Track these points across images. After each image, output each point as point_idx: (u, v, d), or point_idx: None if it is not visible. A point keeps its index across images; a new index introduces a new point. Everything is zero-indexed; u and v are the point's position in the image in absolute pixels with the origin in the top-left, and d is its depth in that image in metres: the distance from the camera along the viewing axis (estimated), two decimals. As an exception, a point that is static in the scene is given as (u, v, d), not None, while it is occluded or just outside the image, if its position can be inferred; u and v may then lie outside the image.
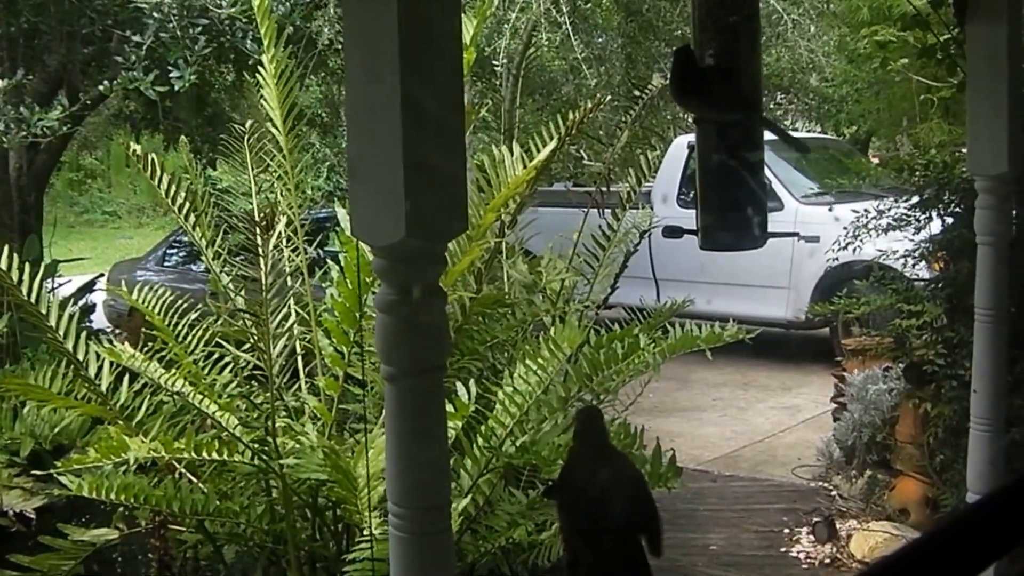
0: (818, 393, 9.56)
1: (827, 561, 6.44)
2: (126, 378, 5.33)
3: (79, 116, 9.33)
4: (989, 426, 4.28)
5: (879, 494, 7.06)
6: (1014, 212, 4.29)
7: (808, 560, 6.50)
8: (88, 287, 8.83)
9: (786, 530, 6.95)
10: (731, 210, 3.20)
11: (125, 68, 8.34)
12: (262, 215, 5.68)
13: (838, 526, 6.74)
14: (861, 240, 7.15)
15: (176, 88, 8.35)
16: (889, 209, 6.94)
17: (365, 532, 4.61)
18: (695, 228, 3.33)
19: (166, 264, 12.54)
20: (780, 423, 9.57)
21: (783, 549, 6.70)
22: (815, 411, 9.42)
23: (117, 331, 9.03)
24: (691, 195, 11.59)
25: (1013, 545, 1.36)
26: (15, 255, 5.27)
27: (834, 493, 7.48)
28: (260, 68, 6.17)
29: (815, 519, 6.90)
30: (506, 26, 13.29)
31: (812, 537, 6.74)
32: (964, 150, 6.53)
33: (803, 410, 9.82)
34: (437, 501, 2.43)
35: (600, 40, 15.52)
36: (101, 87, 8.62)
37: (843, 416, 7.50)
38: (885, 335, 7.19)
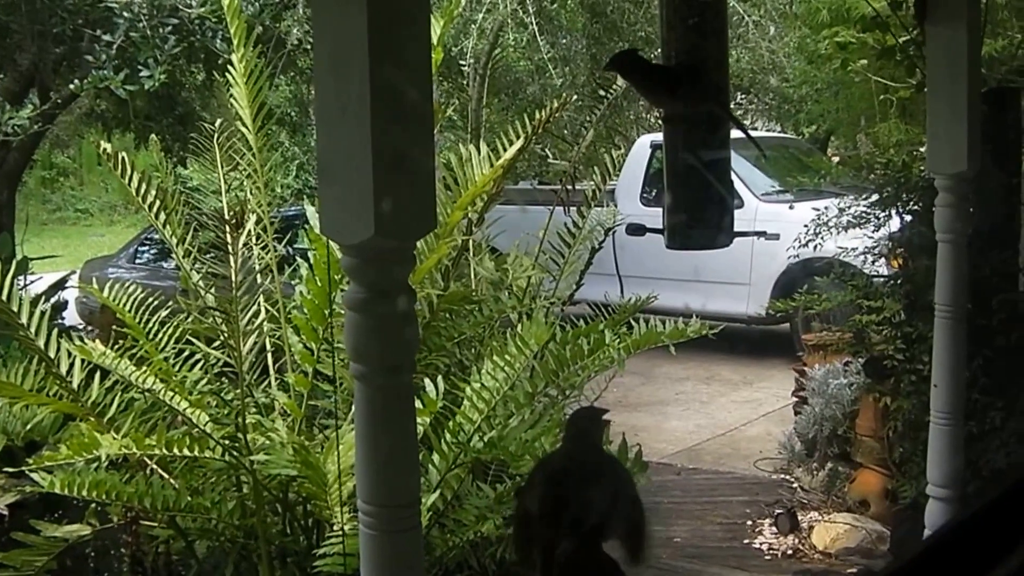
0: (779, 387, 9.58)
1: (789, 552, 6.45)
2: (97, 375, 5.27)
3: (51, 115, 9.25)
4: (949, 420, 4.28)
5: (840, 486, 7.08)
6: (971, 210, 4.29)
7: (771, 551, 6.51)
8: (60, 284, 8.73)
9: (749, 522, 6.96)
10: (698, 210, 3.17)
11: (96, 67, 8.28)
12: (232, 213, 5.63)
13: (800, 518, 6.76)
14: (822, 237, 7.17)
15: (146, 87, 8.29)
16: (849, 207, 6.96)
17: (335, 527, 4.57)
18: (660, 227, 3.29)
19: (137, 261, 12.46)
20: (742, 417, 9.59)
21: (746, 540, 6.70)
22: (776, 405, 9.44)
23: (89, 328, 8.96)
24: (654, 193, 11.62)
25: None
26: (-14, 253, 5.21)
27: (796, 485, 7.51)
28: (230, 67, 6.10)
29: (777, 511, 6.92)
30: (473, 27, 13.30)
31: (774, 529, 6.75)
32: (922, 149, 6.55)
33: (765, 404, 9.84)
34: (407, 499, 2.39)
35: (565, 41, 15.54)
36: (72, 86, 8.56)
37: (804, 410, 7.52)
38: (845, 330, 7.21)
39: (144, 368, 5.18)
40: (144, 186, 5.94)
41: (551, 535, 1.53)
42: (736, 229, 3.31)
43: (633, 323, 5.83)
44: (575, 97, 10.35)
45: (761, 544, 6.62)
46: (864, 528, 6.40)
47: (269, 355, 5.84)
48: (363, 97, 2.12)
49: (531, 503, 1.60)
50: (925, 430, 4.57)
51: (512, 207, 8.28)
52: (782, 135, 17.01)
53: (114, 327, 5.89)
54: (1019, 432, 5.37)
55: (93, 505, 5.15)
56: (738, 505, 7.28)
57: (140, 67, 8.27)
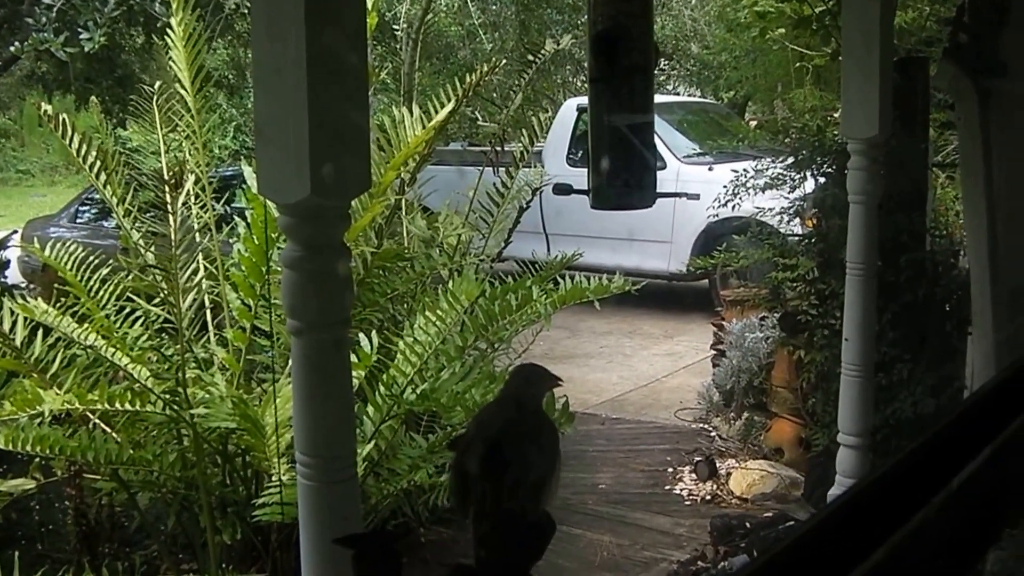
0: (698, 341, 9.65)
1: (708, 498, 6.51)
2: (40, 332, 5.18)
3: (-9, 77, 9.06)
4: (859, 372, 4.34)
5: (756, 435, 7.15)
6: (882, 173, 4.33)
7: (691, 497, 6.56)
8: (2, 244, 8.57)
9: (670, 469, 7.01)
10: (622, 170, 3.15)
11: (36, 29, 8.11)
12: (171, 173, 5.54)
13: (718, 465, 6.82)
14: (740, 198, 7.19)
15: (86, 49, 8.14)
16: (766, 169, 6.98)
17: (274, 477, 4.55)
18: (585, 188, 3.28)
19: (78, 221, 12.23)
20: (663, 369, 9.64)
21: (667, 487, 6.75)
22: (696, 357, 9.50)
23: (32, 286, 8.80)
24: (580, 154, 11.61)
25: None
26: (-72, 213, 5.10)
27: (714, 434, 7.57)
28: (169, 31, 6.00)
29: (696, 458, 6.97)
30: (406, -7, 13.19)
31: (694, 475, 6.81)
32: (835, 115, 6.59)
33: (684, 357, 9.90)
34: (343, 450, 2.38)
35: (495, 7, 15.48)
36: (12, 48, 8.40)
37: (722, 362, 7.58)
38: (761, 287, 7.26)
39: (86, 325, 5.10)
40: (84, 147, 5.83)
41: (482, 488, 1.52)
42: (659, 190, 3.30)
43: (559, 279, 5.84)
44: (504, 61, 10.32)
45: (681, 490, 6.67)
46: (779, 474, 6.47)
47: (208, 311, 5.78)
48: (299, 60, 2.09)
49: (464, 455, 1.58)
50: (836, 381, 4.62)
51: (443, 167, 8.24)
52: (702, 100, 17.07)
53: (56, 285, 5.78)
54: (925, 383, 5.44)
55: (37, 459, 5.07)
56: (659, 453, 7.33)
57: (80, 30, 8.12)
